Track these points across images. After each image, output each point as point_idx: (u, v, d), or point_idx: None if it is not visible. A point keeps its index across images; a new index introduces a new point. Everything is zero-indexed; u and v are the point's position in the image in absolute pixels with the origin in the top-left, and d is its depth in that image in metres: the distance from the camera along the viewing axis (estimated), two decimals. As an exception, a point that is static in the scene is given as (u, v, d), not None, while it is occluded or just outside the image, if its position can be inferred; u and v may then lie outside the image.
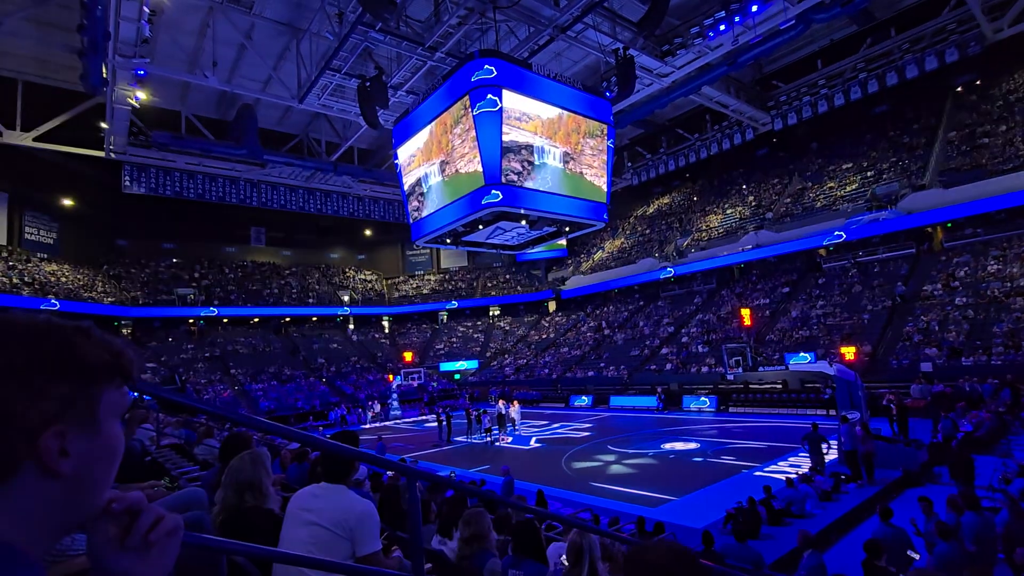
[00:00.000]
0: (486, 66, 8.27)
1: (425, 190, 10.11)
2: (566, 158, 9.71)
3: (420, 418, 30.75)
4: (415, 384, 33.52)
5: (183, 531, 0.64)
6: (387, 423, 29.45)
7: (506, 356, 41.05)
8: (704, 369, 26.08)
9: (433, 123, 9.40)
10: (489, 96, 8.35)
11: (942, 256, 25.21)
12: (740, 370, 22.97)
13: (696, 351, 28.17)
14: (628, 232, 44.70)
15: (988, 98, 28.68)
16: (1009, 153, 24.00)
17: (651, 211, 45.22)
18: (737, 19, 17.21)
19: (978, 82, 29.99)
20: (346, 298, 46.13)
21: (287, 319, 43.07)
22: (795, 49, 27.28)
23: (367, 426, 28.62)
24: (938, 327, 20.66)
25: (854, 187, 29.80)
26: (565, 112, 9.56)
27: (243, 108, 23.22)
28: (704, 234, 36.36)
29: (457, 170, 9.13)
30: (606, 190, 10.66)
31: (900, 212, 25.64)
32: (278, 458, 5.85)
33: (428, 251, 52.62)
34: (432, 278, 51.94)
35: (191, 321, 38.47)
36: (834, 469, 11.40)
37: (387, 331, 48.14)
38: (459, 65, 8.83)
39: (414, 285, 51.28)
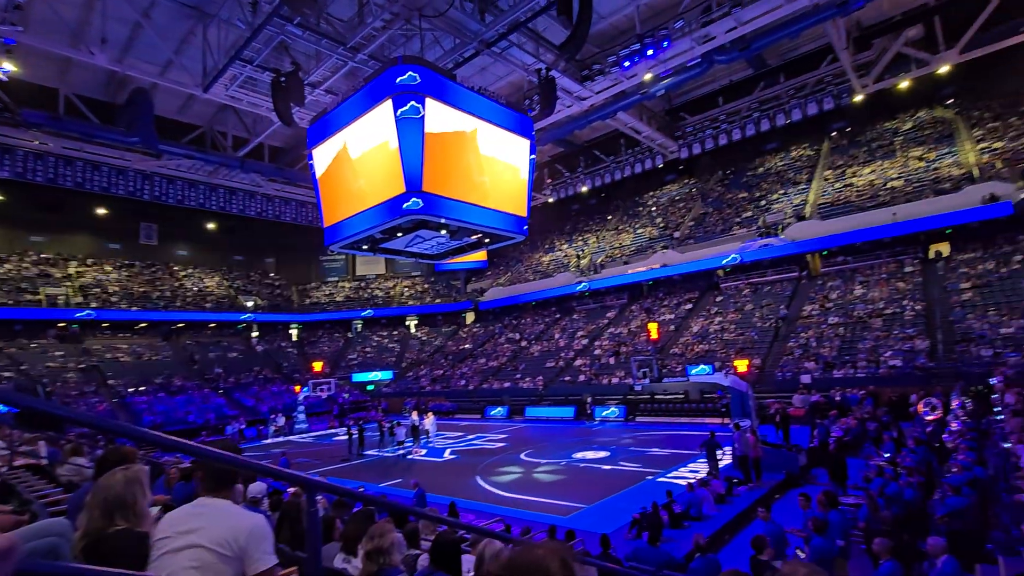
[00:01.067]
0: (409, 72, 8.17)
1: (342, 192, 9.76)
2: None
3: (329, 431, 29.29)
4: (324, 395, 31.91)
5: (17, 554, 0.55)
6: (292, 437, 27.74)
7: (422, 367, 40.33)
8: (615, 380, 27.19)
9: (352, 125, 9.11)
10: (412, 103, 8.25)
11: (819, 280, 28.27)
12: (647, 381, 24.14)
13: (608, 363, 29.32)
14: (547, 246, 45.85)
15: (856, 143, 32.79)
16: (871, 192, 27.53)
17: (569, 227, 46.76)
18: (650, 52, 18.40)
19: (849, 129, 34.21)
20: (250, 304, 43.11)
21: (180, 324, 39.36)
22: (700, 85, 29.60)
23: (269, 441, 26.78)
24: (815, 343, 23.06)
25: (748, 214, 32.69)
26: (488, 125, 9.67)
27: (136, 92, 21.17)
28: (617, 251, 38.13)
29: (377, 173, 8.91)
30: (527, 204, 10.86)
31: (786, 239, 28.46)
32: (162, 476, 5.28)
33: (343, 257, 50.66)
34: (347, 285, 50.01)
35: (61, 325, 34.02)
36: (728, 473, 12.29)
37: (295, 340, 45.55)
38: (382, 69, 8.66)
39: (327, 292, 49.07)
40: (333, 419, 31.77)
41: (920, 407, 14.23)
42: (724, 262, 30.52)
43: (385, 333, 46.33)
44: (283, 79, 15.35)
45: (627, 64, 19.01)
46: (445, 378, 36.85)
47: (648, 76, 20.21)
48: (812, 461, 12.64)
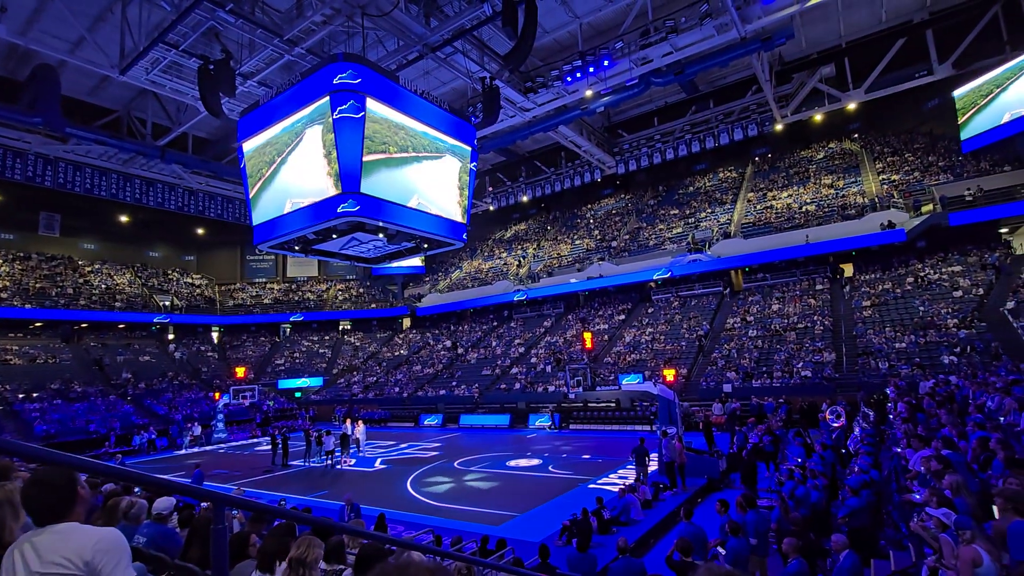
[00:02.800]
0: (350, 70, 7.94)
1: (272, 190, 9.29)
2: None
3: (250, 441, 27.66)
4: (247, 403, 30.13)
5: None
6: (209, 448, 25.96)
7: (355, 373, 39.07)
8: (550, 388, 27.54)
9: (285, 119, 8.72)
10: (352, 102, 8.02)
11: (741, 295, 30.08)
12: (580, 389, 24.69)
13: (544, 371, 29.68)
14: (486, 254, 45.94)
15: (776, 169, 35.32)
16: (788, 215, 29.71)
17: (508, 235, 47.13)
18: (592, 70, 18.99)
19: (769, 155, 36.82)
20: (166, 303, 40.12)
21: (83, 325, 35.95)
22: (638, 105, 30.89)
23: (183, 452, 24.91)
24: (736, 354, 24.46)
25: (679, 230, 34.32)
26: (430, 130, 9.58)
27: (41, 68, 19.26)
28: (555, 261, 38.81)
29: (313, 173, 8.57)
30: (466, 211, 10.82)
31: (712, 256, 30.10)
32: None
33: (273, 257, 48.36)
34: (276, 287, 47.72)
35: (-62, 323, 30.16)
36: (655, 479, 12.72)
37: (217, 343, 42.81)
38: (321, 64, 8.37)
39: (253, 293, 46.58)
40: (256, 428, 30.06)
41: (827, 415, 15.40)
42: (656, 275, 31.82)
43: (316, 338, 44.56)
44: (212, 67, 14.48)
45: (569, 80, 19.51)
46: (379, 385, 35.90)
47: (589, 93, 20.83)
48: (731, 466, 13.34)
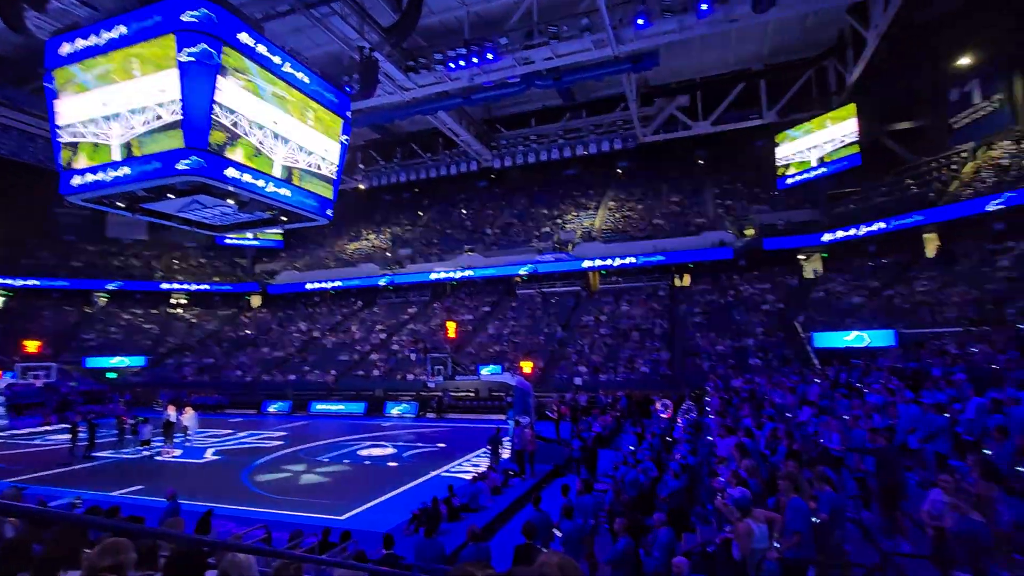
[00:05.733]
0: (203, 8, 6.91)
1: (91, 133, 7.76)
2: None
3: (43, 428, 23.16)
4: (39, 384, 25.16)
5: None
6: (-20, 437, 21.19)
7: (187, 353, 34.71)
8: (410, 377, 27.16)
9: (115, 52, 7.33)
10: (203, 46, 6.99)
11: (596, 295, 32.48)
12: (440, 378, 24.74)
13: (405, 359, 29.16)
14: (353, 234, 43.73)
15: (635, 182, 38.63)
16: (642, 226, 32.73)
17: (379, 217, 45.37)
18: (476, 60, 18.98)
19: (631, 168, 40.12)
20: (-72, 257, 31.82)
21: None
22: (518, 104, 31.62)
23: (-60, 443, 20.01)
24: (588, 350, 26.37)
25: (546, 230, 35.93)
26: (297, 93, 8.78)
27: None
28: (426, 248, 38.27)
29: (147, 120, 7.32)
30: (334, 186, 10.15)
31: (574, 257, 32.02)
32: None
33: (90, 212, 40.78)
34: (91, 247, 40.44)
35: None
36: (506, 466, 13.20)
37: (2, 309, 35.06)
38: (168, -6, 7.17)
39: (60, 252, 38.96)
40: (51, 413, 25.25)
41: (658, 407, 17.30)
42: (522, 271, 32.99)
43: (140, 311, 38.72)
44: (15, -30, 11.73)
45: (453, 66, 19.30)
46: (216, 368, 32.36)
47: (471, 83, 20.81)
48: (577, 454, 14.34)
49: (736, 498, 4.89)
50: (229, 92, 7.42)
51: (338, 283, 37.74)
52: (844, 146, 25.36)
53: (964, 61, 23.99)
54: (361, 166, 37.18)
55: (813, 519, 4.81)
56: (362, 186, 37.89)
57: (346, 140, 10.05)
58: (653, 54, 21.09)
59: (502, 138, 33.65)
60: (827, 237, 26.08)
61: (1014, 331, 13.30)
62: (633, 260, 30.45)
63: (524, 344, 28.17)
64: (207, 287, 40.20)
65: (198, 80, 6.99)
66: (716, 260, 28.88)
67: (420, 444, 18.03)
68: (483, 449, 15.18)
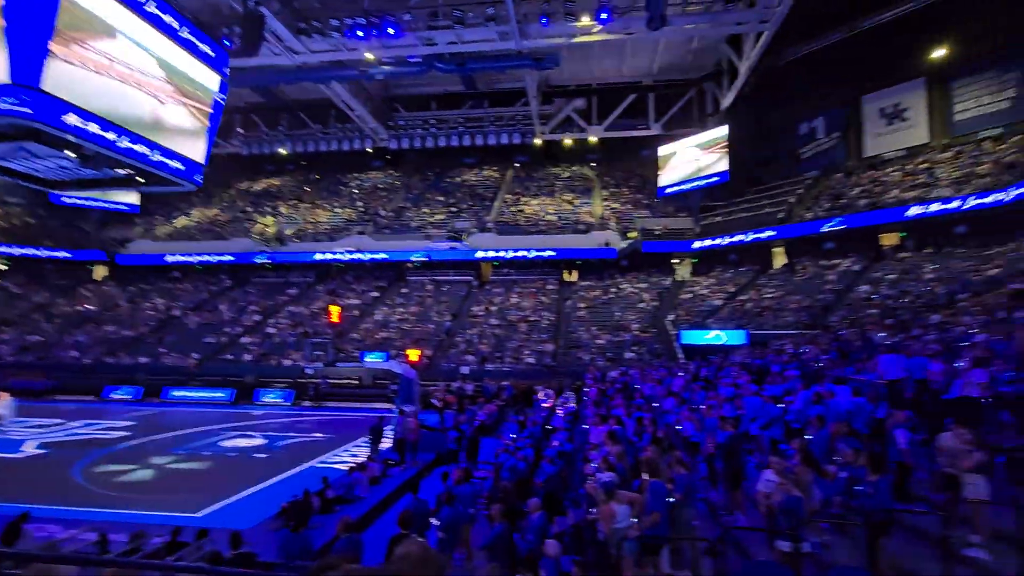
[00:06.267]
0: (43, -83, 5.78)
1: None
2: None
3: None
4: None
5: None
6: None
7: (4, 329, 29.33)
8: (286, 362, 25.45)
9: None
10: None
11: (488, 286, 32.83)
12: (320, 364, 23.47)
13: (282, 343, 27.24)
14: (226, 204, 39.75)
15: (531, 178, 39.48)
16: (535, 221, 33.63)
17: (258, 188, 41.65)
18: (376, 33, 18.10)
19: (528, 164, 40.95)
20: None
21: None
22: (418, 85, 30.79)
23: None
24: (477, 339, 26.60)
25: (441, 217, 35.50)
26: (164, 39, 7.70)
27: None
28: (311, 227, 35.94)
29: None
30: (206, 149, 9.10)
31: (468, 246, 32.03)
32: None
33: None
34: None
35: None
36: (386, 456, 12.90)
37: None
38: None
39: None
40: None
41: (540, 396, 17.97)
42: (414, 257, 32.34)
43: (-58, 276, 31.95)
44: None
45: (349, 34, 18.22)
46: (46, 347, 27.77)
47: (370, 56, 19.84)
48: (460, 442, 14.43)
49: (604, 482, 5.23)
50: (75, 19, 6.30)
51: (206, 257, 34.09)
52: (715, 163, 28.12)
53: (810, 101, 27.78)
54: (240, 130, 33.93)
55: (669, 499, 5.28)
56: (241, 152, 34.58)
57: (222, 99, 9.05)
58: (555, 54, 21.66)
59: (400, 118, 32.58)
60: (697, 244, 28.81)
61: (835, 335, 15.72)
62: (525, 254, 31.19)
63: (413, 332, 27.69)
64: (35, 252, 34.14)
65: (29, 6, 5.84)
66: (602, 259, 30.59)
67: (294, 434, 17.00)
68: (363, 439, 14.68)
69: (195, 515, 9.39)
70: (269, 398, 23.23)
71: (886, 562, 4.41)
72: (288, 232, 35.05)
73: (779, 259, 27.53)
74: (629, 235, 31.10)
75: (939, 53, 23.34)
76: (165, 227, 37.48)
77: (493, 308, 29.73)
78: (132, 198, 35.75)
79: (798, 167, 28.88)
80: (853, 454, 5.40)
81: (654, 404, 12.34)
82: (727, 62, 25.78)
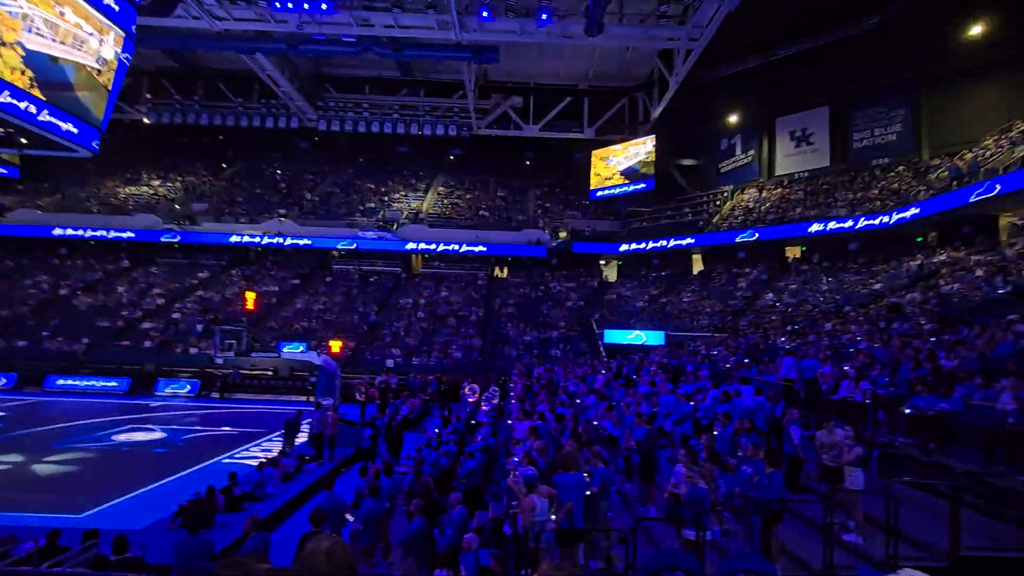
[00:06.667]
0: None
1: None
2: (49, 36, 6.89)
3: None
4: None
5: None
6: None
7: None
8: (193, 351, 23.65)
9: None
10: None
11: (417, 278, 32.26)
12: (231, 353, 22.01)
13: (188, 329, 25.26)
14: (129, 176, 36.26)
15: (466, 171, 39.18)
16: (468, 215, 33.44)
17: (168, 161, 38.31)
18: (307, 6, 17.18)
19: (463, 157, 40.58)
20: None
21: None
22: (352, 66, 29.63)
23: None
24: (404, 332, 26.07)
25: (372, 205, 34.42)
26: (61, -18, 6.88)
27: None
28: (227, 207, 33.60)
29: None
30: (104, 112, 8.26)
31: (398, 237, 31.30)
32: None
33: None
34: None
35: None
36: (301, 451, 12.32)
37: None
38: None
39: None
40: None
41: (466, 391, 17.92)
42: (340, 245, 31.14)
43: None
44: None
45: (278, 5, 17.18)
46: None
47: (299, 30, 18.81)
48: (375, 439, 14.07)
49: (525, 476, 5.29)
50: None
51: (102, 232, 30.90)
52: (642, 170, 29.32)
53: (731, 119, 29.68)
54: (148, 95, 31.10)
55: (587, 492, 5.44)
56: (147, 120, 31.67)
57: (127, 58, 8.26)
58: (494, 49, 21.59)
59: (331, 99, 31.21)
60: (623, 247, 29.93)
61: (743, 339, 16.93)
62: (456, 247, 30.96)
63: (336, 323, 26.66)
64: None
65: None
66: (532, 256, 30.97)
67: (199, 428, 15.87)
68: (277, 433, 13.93)
69: (76, 516, 8.50)
70: (171, 389, 21.50)
71: (777, 547, 4.81)
72: (200, 211, 32.56)
73: (697, 265, 29.21)
74: (559, 235, 31.72)
75: (841, 84, 25.69)
76: (54, 196, 33.59)
77: (422, 301, 29.28)
78: (11, 160, 31.58)
79: (718, 179, 30.78)
80: (753, 449, 5.83)
81: (577, 400, 12.69)
82: (658, 74, 26.92)
